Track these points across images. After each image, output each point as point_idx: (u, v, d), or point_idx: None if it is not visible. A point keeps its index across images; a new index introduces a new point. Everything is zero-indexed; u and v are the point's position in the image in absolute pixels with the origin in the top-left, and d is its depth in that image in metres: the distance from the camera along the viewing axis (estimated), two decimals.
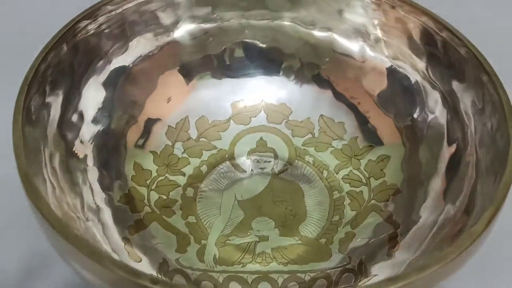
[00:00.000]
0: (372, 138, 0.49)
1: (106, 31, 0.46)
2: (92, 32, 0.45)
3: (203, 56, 0.50)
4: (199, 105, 0.50)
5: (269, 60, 0.51)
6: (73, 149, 0.43)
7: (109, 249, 0.40)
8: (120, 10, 0.46)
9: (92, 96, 0.45)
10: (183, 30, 0.50)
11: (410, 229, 0.42)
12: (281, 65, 0.51)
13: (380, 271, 0.41)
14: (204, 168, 0.49)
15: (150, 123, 0.48)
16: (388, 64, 0.48)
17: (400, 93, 0.48)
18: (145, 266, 0.41)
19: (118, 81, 0.47)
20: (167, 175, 0.48)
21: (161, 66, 0.49)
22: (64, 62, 0.43)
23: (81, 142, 0.44)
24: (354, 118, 0.49)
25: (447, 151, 0.44)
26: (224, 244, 0.44)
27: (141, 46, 0.48)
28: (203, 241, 0.44)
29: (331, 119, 0.50)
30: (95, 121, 0.45)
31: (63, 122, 0.42)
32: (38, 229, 0.33)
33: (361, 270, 0.42)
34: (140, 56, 0.48)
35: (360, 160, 0.48)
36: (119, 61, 0.47)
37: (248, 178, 0.49)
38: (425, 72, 0.46)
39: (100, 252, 0.29)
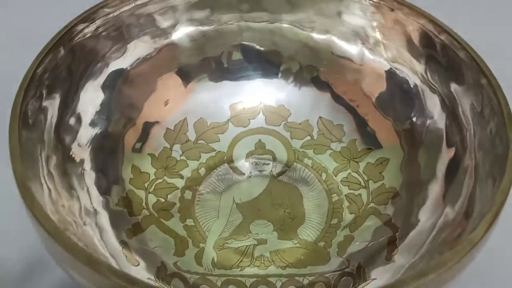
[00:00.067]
0: (371, 141, 0.49)
1: (103, 34, 0.46)
2: (89, 35, 0.45)
3: (202, 58, 0.50)
4: (197, 107, 0.50)
5: (268, 62, 0.51)
6: (71, 153, 0.43)
7: (106, 253, 0.39)
8: (117, 12, 0.46)
9: (90, 99, 0.45)
10: (181, 33, 0.50)
11: (409, 233, 0.42)
12: (279, 68, 0.51)
13: (379, 275, 0.41)
14: (202, 171, 0.49)
15: (148, 125, 0.48)
16: (387, 67, 0.48)
17: (399, 96, 0.48)
18: (143, 270, 0.41)
19: (116, 83, 0.47)
20: (165, 177, 0.47)
21: (159, 69, 0.49)
22: (61, 65, 0.42)
23: (79, 145, 0.44)
24: (353, 120, 0.49)
25: (446, 155, 0.43)
26: (223, 247, 0.44)
27: (139, 48, 0.48)
28: (201, 245, 0.44)
29: (330, 121, 0.50)
30: (92, 124, 0.45)
31: (61, 125, 0.42)
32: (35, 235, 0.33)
33: (359, 274, 0.41)
34: (138, 58, 0.48)
35: (359, 163, 0.48)
36: (116, 64, 0.47)
37: (246, 181, 0.49)
38: (424, 75, 0.46)
39: (96, 259, 0.29)
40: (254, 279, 0.42)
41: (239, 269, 0.43)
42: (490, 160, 0.39)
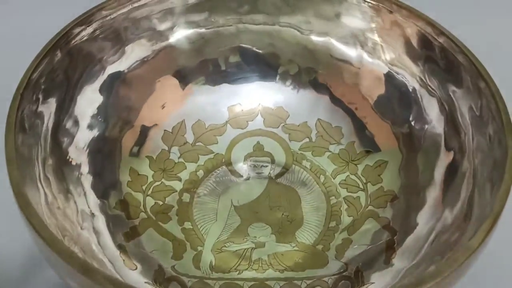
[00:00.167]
0: (369, 143, 0.48)
1: (100, 36, 0.45)
2: (86, 38, 0.44)
3: (200, 61, 0.50)
4: (195, 110, 0.50)
5: (266, 64, 0.51)
6: (68, 156, 0.43)
7: (103, 258, 0.39)
8: (114, 15, 0.46)
9: (87, 102, 0.45)
10: (179, 35, 0.49)
11: (408, 236, 0.42)
12: (278, 70, 0.51)
13: (377, 278, 0.40)
14: (200, 173, 0.48)
15: (146, 127, 0.48)
16: (386, 70, 0.48)
17: (397, 99, 0.47)
18: (140, 274, 0.41)
19: (114, 86, 0.47)
20: (163, 180, 0.47)
21: (157, 71, 0.49)
22: (58, 69, 0.42)
23: (76, 149, 0.43)
24: (352, 123, 0.49)
25: (444, 159, 0.43)
26: (220, 250, 0.44)
27: (136, 51, 0.48)
28: (199, 248, 0.44)
29: (328, 123, 0.50)
30: (90, 127, 0.45)
31: (58, 129, 0.42)
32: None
33: (357, 277, 0.41)
34: (136, 61, 0.48)
35: (357, 165, 0.48)
36: (114, 67, 0.47)
37: (244, 183, 0.49)
38: (423, 78, 0.46)
39: (92, 268, 0.29)
40: (252, 283, 0.42)
41: (237, 272, 0.43)
42: (488, 165, 0.39)
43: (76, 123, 0.44)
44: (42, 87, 0.41)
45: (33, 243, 0.33)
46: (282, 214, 0.46)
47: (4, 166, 0.34)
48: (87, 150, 0.44)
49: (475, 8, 0.67)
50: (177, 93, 0.50)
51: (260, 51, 0.51)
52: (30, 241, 0.33)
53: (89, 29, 0.45)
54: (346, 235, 0.45)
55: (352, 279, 0.41)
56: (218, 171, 0.49)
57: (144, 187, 0.46)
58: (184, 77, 0.50)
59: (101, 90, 0.46)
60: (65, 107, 0.43)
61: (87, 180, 0.43)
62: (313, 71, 0.50)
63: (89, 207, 0.42)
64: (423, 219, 0.42)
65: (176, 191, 0.47)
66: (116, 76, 0.47)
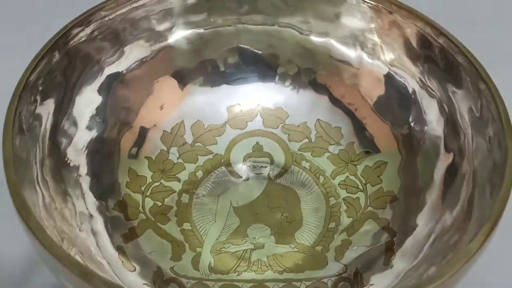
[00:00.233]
0: (369, 144, 0.48)
1: (99, 37, 0.45)
2: (84, 38, 0.44)
3: (199, 61, 0.50)
4: (194, 110, 0.50)
5: (265, 65, 0.51)
6: (66, 158, 0.42)
7: (102, 260, 0.39)
8: (113, 16, 0.46)
9: (86, 103, 0.45)
10: (178, 36, 0.49)
11: (407, 238, 0.42)
12: (277, 70, 0.51)
13: (376, 280, 0.40)
14: (199, 174, 0.48)
15: (145, 128, 0.48)
16: (386, 71, 0.48)
17: (397, 100, 0.47)
18: (139, 276, 0.40)
19: (112, 87, 0.47)
20: (162, 181, 0.47)
21: (156, 72, 0.49)
22: (56, 70, 0.42)
23: (74, 150, 0.43)
24: (351, 123, 0.49)
25: (443, 160, 0.43)
26: (219, 251, 0.44)
27: (135, 51, 0.48)
28: (198, 249, 0.44)
29: (328, 123, 0.50)
30: (88, 128, 0.45)
31: (56, 130, 0.42)
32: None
33: (357, 279, 0.41)
34: (134, 62, 0.48)
35: (357, 166, 0.48)
36: (113, 68, 0.46)
37: (244, 184, 0.48)
38: (423, 79, 0.46)
39: (90, 272, 0.29)
40: (251, 284, 0.42)
41: (236, 274, 0.43)
42: (488, 166, 0.39)
43: (75, 124, 0.44)
44: (40, 88, 0.41)
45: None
46: (282, 215, 0.46)
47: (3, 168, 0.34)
48: (86, 151, 0.44)
49: (476, 8, 0.67)
50: (176, 93, 0.49)
51: (259, 52, 0.50)
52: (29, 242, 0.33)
53: (88, 30, 0.44)
54: (345, 236, 0.45)
55: (351, 280, 0.41)
56: (217, 172, 0.49)
57: (143, 188, 0.46)
58: (183, 78, 0.49)
59: (99, 91, 0.46)
60: (63, 108, 0.43)
61: (85, 182, 0.43)
62: (313, 72, 0.50)
63: (87, 209, 0.42)
64: (423, 220, 0.42)
65: (175, 192, 0.47)
66: (115, 77, 0.47)
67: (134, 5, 0.46)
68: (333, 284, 0.41)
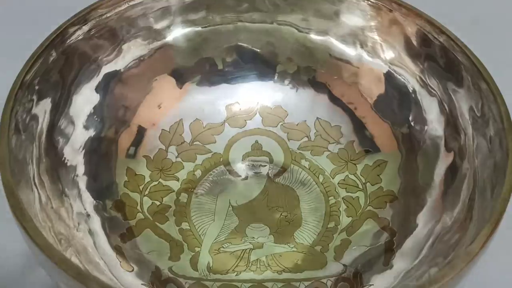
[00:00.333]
0: (369, 143, 0.48)
1: (96, 35, 0.45)
2: (81, 37, 0.44)
3: (197, 59, 0.49)
4: (193, 108, 0.50)
5: (264, 63, 0.50)
6: (63, 157, 0.42)
7: (99, 260, 0.39)
8: (110, 14, 0.45)
9: (83, 102, 0.45)
10: (177, 34, 0.49)
11: (407, 238, 0.42)
12: (276, 69, 0.50)
13: (376, 280, 0.40)
14: (198, 173, 0.48)
15: (143, 127, 0.48)
16: (386, 69, 0.48)
17: (397, 99, 0.47)
18: (137, 276, 0.40)
19: (110, 86, 0.46)
20: (160, 180, 0.47)
21: (154, 70, 0.48)
22: (53, 69, 0.42)
23: (72, 149, 0.43)
24: (351, 122, 0.49)
25: (444, 160, 0.43)
26: (218, 251, 0.44)
27: (133, 50, 0.47)
28: (196, 249, 0.44)
29: (327, 122, 0.49)
30: (86, 127, 0.45)
31: (53, 130, 0.42)
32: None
33: (356, 279, 0.41)
34: (132, 60, 0.47)
35: (357, 165, 0.48)
36: (110, 66, 0.46)
37: (243, 183, 0.48)
38: (423, 77, 0.46)
39: (87, 275, 0.28)
40: (250, 284, 0.42)
41: (235, 273, 0.42)
42: (489, 167, 0.38)
43: (72, 123, 0.44)
44: (37, 87, 0.40)
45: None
46: (281, 214, 0.46)
47: None
48: (83, 151, 0.44)
49: (476, 6, 0.66)
50: (174, 92, 0.49)
51: (258, 50, 0.50)
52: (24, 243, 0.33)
53: (85, 28, 0.44)
54: (345, 236, 0.44)
55: (351, 280, 0.41)
56: (216, 171, 0.49)
57: (141, 187, 0.46)
58: (181, 76, 0.49)
59: (97, 90, 0.46)
60: (60, 108, 0.43)
61: (82, 181, 0.43)
62: (312, 70, 0.50)
63: (84, 209, 0.42)
64: (423, 220, 0.42)
65: (174, 191, 0.47)
66: (113, 76, 0.46)
67: (132, 3, 0.46)
68: (332, 284, 0.41)
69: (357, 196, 0.46)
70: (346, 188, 0.47)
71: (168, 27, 0.49)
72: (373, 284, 0.40)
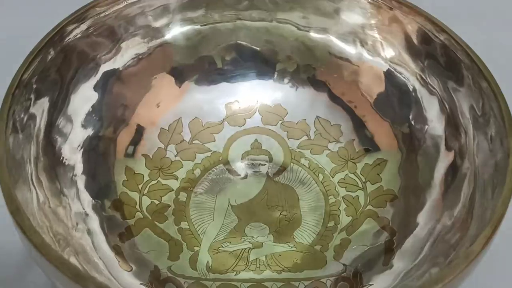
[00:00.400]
0: (369, 142, 0.48)
1: (95, 34, 0.45)
2: (80, 35, 0.44)
3: (196, 58, 0.49)
4: (192, 107, 0.49)
5: (264, 61, 0.50)
6: (62, 157, 0.42)
7: (98, 260, 0.39)
8: (109, 12, 0.45)
9: (82, 100, 0.45)
10: (176, 32, 0.49)
11: (407, 237, 0.42)
12: (276, 67, 0.50)
13: (376, 280, 0.40)
14: (197, 172, 0.48)
15: (142, 126, 0.48)
16: (386, 68, 0.47)
17: (397, 98, 0.47)
18: (136, 275, 0.40)
19: (108, 84, 0.46)
20: (159, 179, 0.47)
21: (153, 69, 0.48)
22: (51, 67, 0.42)
23: (70, 148, 0.43)
24: (351, 121, 0.49)
25: (444, 159, 0.43)
26: (217, 251, 0.44)
27: (132, 48, 0.47)
28: (196, 248, 0.44)
29: (327, 121, 0.49)
30: (84, 126, 0.45)
31: (51, 129, 0.42)
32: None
33: (356, 279, 0.41)
34: (131, 58, 0.47)
35: (357, 164, 0.48)
36: (109, 64, 0.46)
37: (242, 182, 0.48)
38: (423, 76, 0.46)
39: (83, 275, 0.28)
40: (249, 283, 0.41)
41: (234, 273, 0.42)
42: (489, 166, 0.38)
43: (70, 122, 0.44)
44: (34, 86, 0.40)
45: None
46: (280, 213, 0.46)
47: None
48: (81, 150, 0.44)
49: (477, 7, 0.66)
50: (174, 90, 0.49)
51: (257, 48, 0.50)
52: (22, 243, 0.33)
53: (83, 26, 0.44)
54: (344, 235, 0.44)
55: (350, 280, 0.41)
56: (215, 170, 0.48)
57: (140, 186, 0.46)
58: (180, 74, 0.49)
59: (95, 88, 0.45)
60: (58, 107, 0.43)
61: (81, 180, 0.43)
62: (312, 69, 0.50)
63: (83, 208, 0.42)
64: (423, 219, 0.42)
65: (173, 190, 0.47)
66: (111, 74, 0.46)
67: (130, 1, 0.46)
68: (332, 284, 0.41)
69: (357, 195, 0.46)
70: (346, 187, 0.47)
71: (167, 25, 0.48)
72: (373, 284, 0.40)
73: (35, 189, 0.38)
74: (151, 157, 0.47)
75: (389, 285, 0.39)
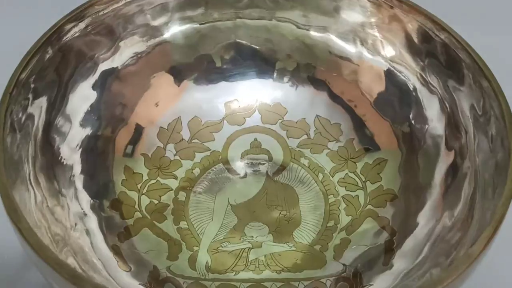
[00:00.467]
0: (369, 141, 0.48)
1: (93, 32, 0.45)
2: (78, 34, 0.44)
3: (196, 56, 0.49)
4: (191, 106, 0.49)
5: (263, 60, 0.50)
6: (60, 156, 0.42)
7: (96, 261, 0.39)
8: (107, 10, 0.45)
9: (80, 100, 0.44)
10: (175, 30, 0.49)
11: (407, 237, 0.42)
12: (275, 66, 0.50)
13: (376, 280, 0.40)
14: (196, 171, 0.48)
15: (141, 125, 0.47)
16: (386, 67, 0.47)
17: (398, 97, 0.47)
18: (134, 276, 0.40)
19: (107, 83, 0.46)
20: (158, 178, 0.47)
21: (152, 67, 0.48)
22: (49, 66, 0.42)
23: (68, 148, 0.43)
24: (351, 120, 0.48)
25: (444, 159, 0.43)
26: (217, 251, 0.43)
27: (130, 47, 0.47)
28: (195, 248, 0.43)
29: (327, 120, 0.49)
30: (83, 125, 0.44)
31: (49, 128, 0.42)
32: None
33: (356, 279, 0.41)
34: (130, 57, 0.47)
35: (356, 163, 0.48)
36: (107, 63, 0.46)
37: (241, 181, 0.48)
38: (423, 75, 0.45)
39: (80, 276, 0.28)
40: (249, 284, 0.41)
41: (234, 273, 0.42)
42: (490, 166, 0.38)
43: (69, 121, 0.43)
44: (32, 86, 0.40)
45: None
46: (280, 213, 0.46)
47: None
48: (80, 149, 0.44)
49: (478, 6, 0.66)
50: (173, 89, 0.49)
51: (257, 47, 0.50)
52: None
53: (81, 25, 0.44)
54: (344, 235, 0.44)
55: (350, 280, 0.41)
56: (214, 169, 0.48)
57: (139, 186, 0.46)
58: (179, 73, 0.49)
59: (94, 87, 0.45)
60: (56, 106, 0.42)
61: (79, 180, 0.43)
62: (312, 67, 0.49)
63: (81, 208, 0.41)
64: (423, 219, 0.42)
65: (172, 189, 0.46)
66: (110, 73, 0.46)
67: None
68: (332, 284, 0.41)
69: (356, 195, 0.46)
70: (345, 187, 0.47)
71: (166, 23, 0.48)
72: (373, 284, 0.40)
73: (33, 189, 0.38)
74: (150, 156, 0.47)
75: (389, 285, 0.39)
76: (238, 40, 0.50)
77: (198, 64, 0.49)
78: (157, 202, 0.45)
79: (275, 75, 0.50)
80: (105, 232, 0.41)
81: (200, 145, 0.49)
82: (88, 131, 0.45)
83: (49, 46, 0.41)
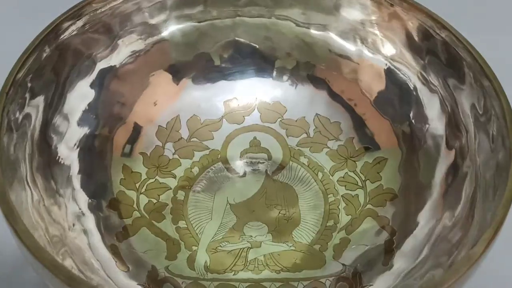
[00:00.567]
0: (369, 140, 0.47)
1: (91, 31, 0.44)
2: (76, 32, 0.43)
3: (194, 55, 0.49)
4: (190, 104, 0.49)
5: (263, 59, 0.50)
6: (57, 155, 0.42)
7: (94, 261, 0.39)
8: (105, 8, 0.45)
9: (78, 98, 0.44)
10: (173, 29, 0.48)
11: (407, 237, 0.41)
12: (275, 64, 0.50)
13: (376, 280, 0.40)
14: (195, 170, 0.48)
15: (139, 123, 0.47)
16: (386, 65, 0.47)
17: (398, 95, 0.46)
18: (133, 276, 0.40)
19: (105, 82, 0.46)
20: (157, 177, 0.46)
21: (151, 66, 0.48)
22: (46, 65, 0.41)
23: (66, 147, 0.43)
24: (350, 118, 0.48)
25: (445, 158, 0.43)
26: (216, 250, 0.43)
27: (128, 45, 0.47)
28: (193, 248, 0.43)
29: (327, 118, 0.49)
30: (81, 124, 0.44)
31: (47, 128, 0.41)
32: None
33: (356, 279, 0.41)
34: (128, 56, 0.47)
35: (356, 162, 0.47)
36: (105, 62, 0.46)
37: (241, 180, 0.48)
38: (424, 73, 0.45)
39: (77, 278, 0.28)
40: (248, 283, 0.41)
41: (233, 273, 0.42)
42: (491, 166, 0.38)
43: (66, 120, 0.43)
44: (29, 85, 0.40)
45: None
46: (279, 212, 0.46)
47: None
48: (78, 148, 0.44)
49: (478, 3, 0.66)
50: (171, 88, 0.49)
51: (256, 45, 0.49)
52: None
53: (79, 23, 0.44)
54: (344, 235, 0.44)
55: (350, 280, 0.41)
56: (213, 168, 0.48)
57: (137, 185, 0.45)
58: (178, 72, 0.49)
59: (92, 86, 0.45)
60: (54, 105, 0.42)
61: (77, 179, 0.42)
62: (311, 66, 0.49)
63: (79, 208, 0.41)
64: (424, 219, 0.42)
65: (171, 188, 0.46)
66: (108, 71, 0.46)
67: None
68: (331, 284, 0.41)
69: (356, 194, 0.46)
70: (345, 186, 0.47)
71: (164, 22, 0.48)
72: (372, 284, 0.40)
73: (30, 189, 0.38)
74: (148, 155, 0.47)
75: (389, 285, 0.39)
76: (237, 38, 0.49)
77: (197, 63, 0.49)
78: (155, 201, 0.45)
79: (274, 73, 0.50)
80: (103, 232, 0.41)
81: (199, 144, 0.48)
82: (86, 130, 0.44)
83: (46, 44, 0.41)
